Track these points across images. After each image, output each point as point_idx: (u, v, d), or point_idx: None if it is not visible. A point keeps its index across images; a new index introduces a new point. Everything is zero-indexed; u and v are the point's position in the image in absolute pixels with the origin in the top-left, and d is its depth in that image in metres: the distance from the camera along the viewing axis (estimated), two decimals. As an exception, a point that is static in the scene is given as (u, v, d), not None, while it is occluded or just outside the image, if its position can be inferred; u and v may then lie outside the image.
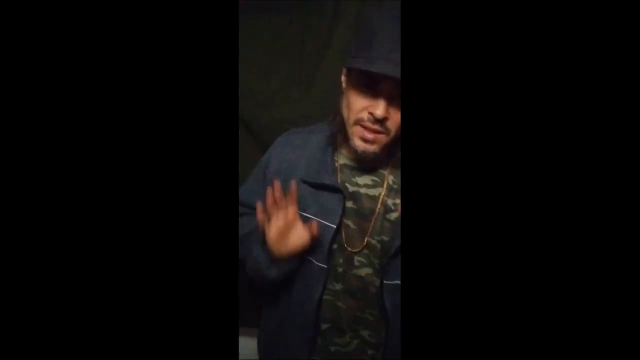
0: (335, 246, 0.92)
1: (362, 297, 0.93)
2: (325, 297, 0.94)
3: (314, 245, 0.90)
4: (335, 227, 0.90)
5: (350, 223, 0.92)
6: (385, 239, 0.90)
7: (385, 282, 0.89)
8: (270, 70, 1.27)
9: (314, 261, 0.92)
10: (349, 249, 0.92)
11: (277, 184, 0.86)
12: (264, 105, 1.26)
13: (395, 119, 0.83)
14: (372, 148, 0.85)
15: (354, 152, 0.90)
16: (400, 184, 0.91)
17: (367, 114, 0.83)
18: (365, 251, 0.92)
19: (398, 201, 0.90)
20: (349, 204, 0.92)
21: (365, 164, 0.93)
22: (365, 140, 0.85)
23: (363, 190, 0.92)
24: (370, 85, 0.83)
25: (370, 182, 0.92)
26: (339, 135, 0.94)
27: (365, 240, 0.91)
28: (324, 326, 0.95)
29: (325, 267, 0.91)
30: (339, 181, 0.92)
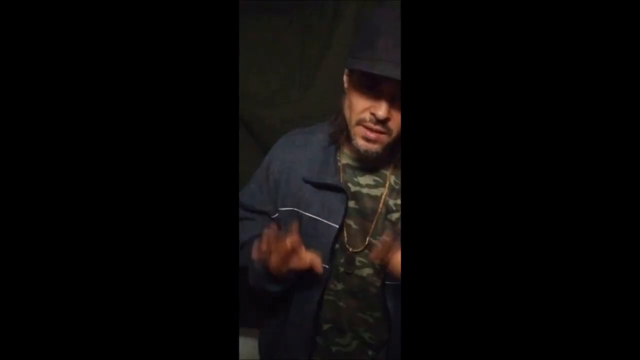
0: (337, 246, 0.92)
1: (363, 297, 0.93)
2: (326, 297, 0.94)
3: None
4: (337, 226, 0.90)
5: (352, 223, 0.92)
6: (387, 239, 0.90)
7: (386, 282, 0.90)
8: (270, 70, 1.26)
9: None
10: (350, 249, 0.92)
11: (273, 228, 0.85)
12: (264, 105, 1.26)
13: (396, 119, 0.84)
14: (375, 147, 0.86)
15: (356, 151, 0.90)
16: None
17: (369, 115, 0.83)
18: (367, 251, 0.92)
19: (399, 201, 0.90)
20: (351, 204, 0.92)
21: (367, 164, 0.93)
22: (368, 140, 0.85)
23: (365, 190, 0.92)
24: (371, 86, 0.83)
25: (372, 182, 0.93)
26: (341, 135, 0.94)
27: (367, 240, 0.91)
28: (325, 326, 0.95)
29: (327, 266, 0.91)
30: (341, 181, 0.92)
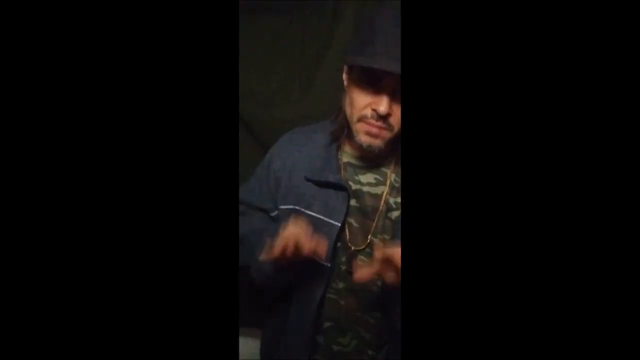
0: (339, 244, 0.92)
1: (364, 296, 0.93)
2: (328, 295, 0.94)
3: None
4: (339, 225, 0.90)
5: (353, 221, 0.92)
6: (387, 237, 0.91)
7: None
8: (270, 70, 1.26)
9: (317, 259, 0.92)
10: (352, 247, 0.92)
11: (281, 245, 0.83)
12: (264, 105, 1.26)
13: (398, 115, 0.84)
14: (377, 142, 0.86)
15: (357, 148, 0.91)
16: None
17: (371, 111, 0.84)
18: (368, 249, 0.92)
19: (399, 199, 0.91)
20: (352, 202, 0.92)
21: (369, 161, 0.93)
22: (370, 135, 0.85)
23: (366, 189, 0.92)
24: (372, 82, 0.83)
25: (372, 180, 0.93)
26: (342, 134, 0.94)
27: (369, 239, 0.91)
28: (326, 324, 0.95)
29: (328, 265, 0.91)
30: (342, 179, 0.92)
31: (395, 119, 0.84)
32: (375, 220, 0.91)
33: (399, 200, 0.90)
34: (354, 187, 0.93)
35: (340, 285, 0.93)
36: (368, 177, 0.93)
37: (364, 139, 0.86)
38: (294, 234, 0.81)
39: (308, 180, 0.93)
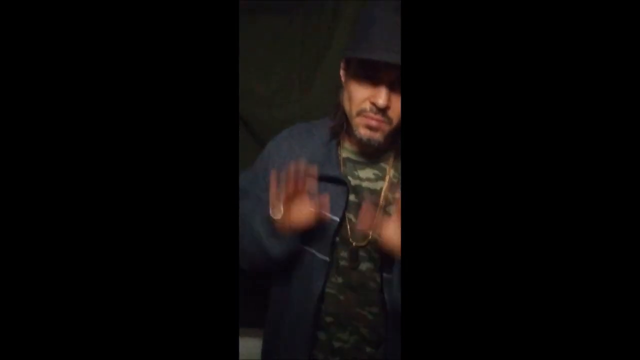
0: (337, 239, 0.92)
1: (362, 292, 0.93)
2: (327, 290, 0.94)
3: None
4: (338, 219, 0.90)
5: (351, 217, 0.92)
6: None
7: (384, 275, 0.90)
8: (270, 70, 1.26)
9: (316, 253, 0.92)
10: (354, 243, 0.92)
11: (302, 163, 0.84)
12: (264, 105, 1.26)
13: (396, 108, 0.84)
14: (377, 136, 0.86)
15: (357, 143, 0.91)
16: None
17: (369, 104, 0.84)
18: (368, 246, 0.92)
19: (398, 195, 0.90)
20: (351, 198, 0.92)
21: (368, 157, 0.93)
22: (370, 128, 0.86)
23: (365, 184, 0.93)
24: (370, 75, 0.84)
25: (372, 176, 0.93)
26: (341, 130, 0.94)
27: (370, 235, 0.91)
28: (327, 319, 0.95)
29: (328, 259, 0.91)
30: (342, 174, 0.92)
31: (394, 112, 0.85)
32: (375, 216, 0.91)
33: (397, 195, 0.91)
34: (353, 182, 0.93)
35: (340, 280, 0.94)
36: (367, 173, 0.93)
37: (363, 133, 0.87)
38: (300, 167, 0.81)
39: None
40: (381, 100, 0.82)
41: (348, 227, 0.92)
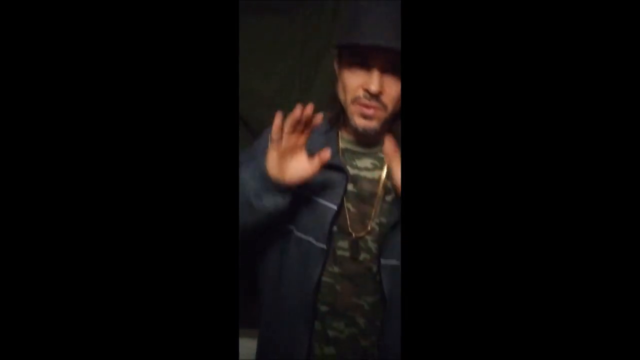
0: (335, 228, 0.92)
1: (360, 282, 0.93)
2: (324, 279, 0.94)
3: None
4: (335, 208, 0.90)
5: (350, 206, 0.92)
6: (384, 220, 0.91)
7: (382, 262, 0.90)
8: (270, 70, 1.27)
9: (313, 242, 0.92)
10: (354, 234, 0.92)
11: (310, 106, 0.82)
12: (264, 105, 1.26)
13: (389, 93, 0.85)
14: (372, 124, 0.87)
15: (354, 132, 0.91)
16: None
17: (362, 91, 0.85)
18: (367, 236, 0.92)
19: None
20: (349, 187, 0.92)
21: (365, 146, 0.94)
22: (365, 116, 0.86)
23: (363, 173, 0.93)
24: (361, 62, 0.84)
25: (370, 165, 0.94)
26: (338, 120, 0.95)
27: (369, 225, 0.92)
28: (323, 308, 0.95)
29: (325, 247, 0.91)
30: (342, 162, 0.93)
31: (388, 97, 0.85)
32: (374, 205, 0.92)
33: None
34: (352, 172, 0.93)
35: (336, 269, 0.94)
36: (365, 162, 0.94)
37: (359, 122, 0.87)
38: (308, 111, 0.80)
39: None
40: (373, 86, 0.83)
41: (347, 216, 0.92)
